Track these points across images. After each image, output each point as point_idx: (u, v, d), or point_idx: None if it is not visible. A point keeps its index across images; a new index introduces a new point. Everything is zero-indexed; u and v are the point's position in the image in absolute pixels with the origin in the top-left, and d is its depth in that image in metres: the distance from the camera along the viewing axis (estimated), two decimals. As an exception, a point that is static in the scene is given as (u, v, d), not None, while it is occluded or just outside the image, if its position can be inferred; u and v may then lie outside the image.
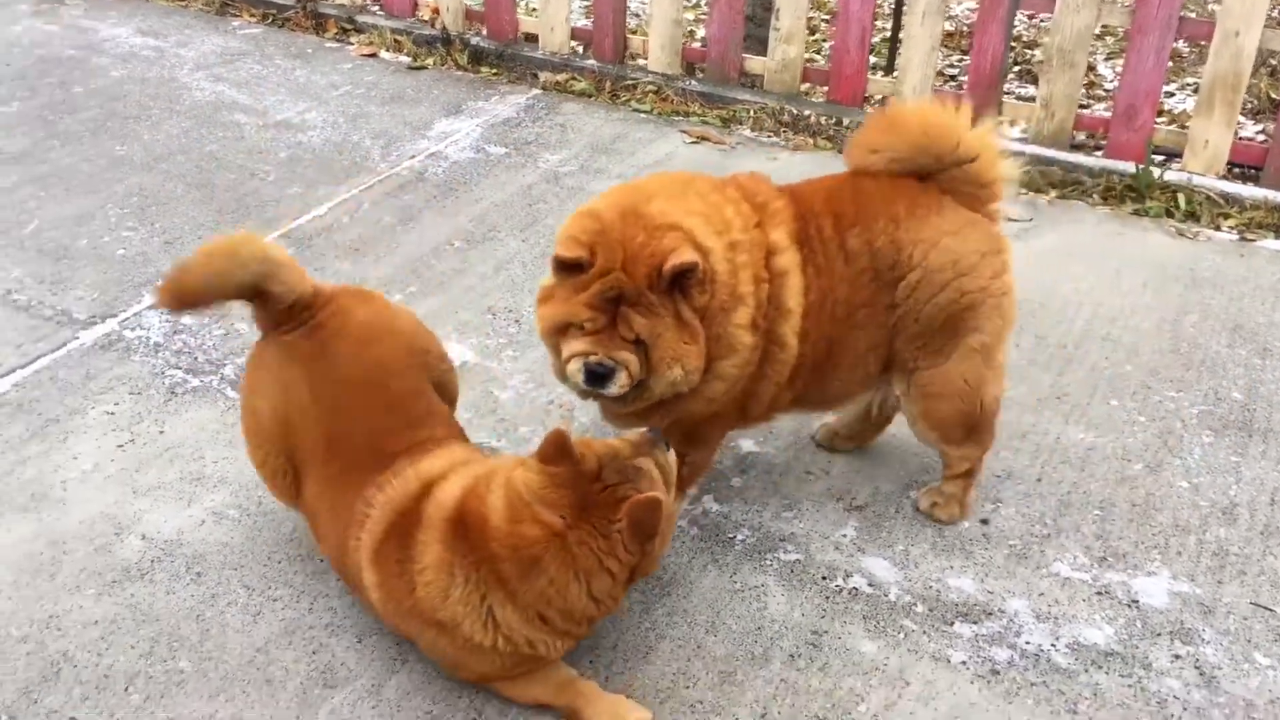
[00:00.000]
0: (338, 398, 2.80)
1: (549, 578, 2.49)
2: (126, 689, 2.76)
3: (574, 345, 2.83)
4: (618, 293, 2.76)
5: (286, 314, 2.86)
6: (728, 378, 2.96)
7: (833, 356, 3.11)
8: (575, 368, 2.83)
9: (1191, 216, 5.22)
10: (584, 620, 2.61)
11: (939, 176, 3.09)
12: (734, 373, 2.95)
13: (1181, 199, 5.28)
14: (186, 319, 4.17)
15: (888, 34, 6.74)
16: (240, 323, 4.15)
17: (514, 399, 3.83)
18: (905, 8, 5.83)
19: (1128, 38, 5.47)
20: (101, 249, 4.65)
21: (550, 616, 2.54)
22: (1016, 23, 6.44)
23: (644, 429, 2.75)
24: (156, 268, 4.50)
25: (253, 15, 7.43)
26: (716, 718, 2.74)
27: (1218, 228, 5.15)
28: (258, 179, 5.29)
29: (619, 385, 2.80)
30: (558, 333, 2.87)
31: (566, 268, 2.81)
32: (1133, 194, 5.40)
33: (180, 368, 3.92)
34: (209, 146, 5.60)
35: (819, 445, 3.64)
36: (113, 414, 3.68)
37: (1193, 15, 6.09)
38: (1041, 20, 7.50)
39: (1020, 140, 5.73)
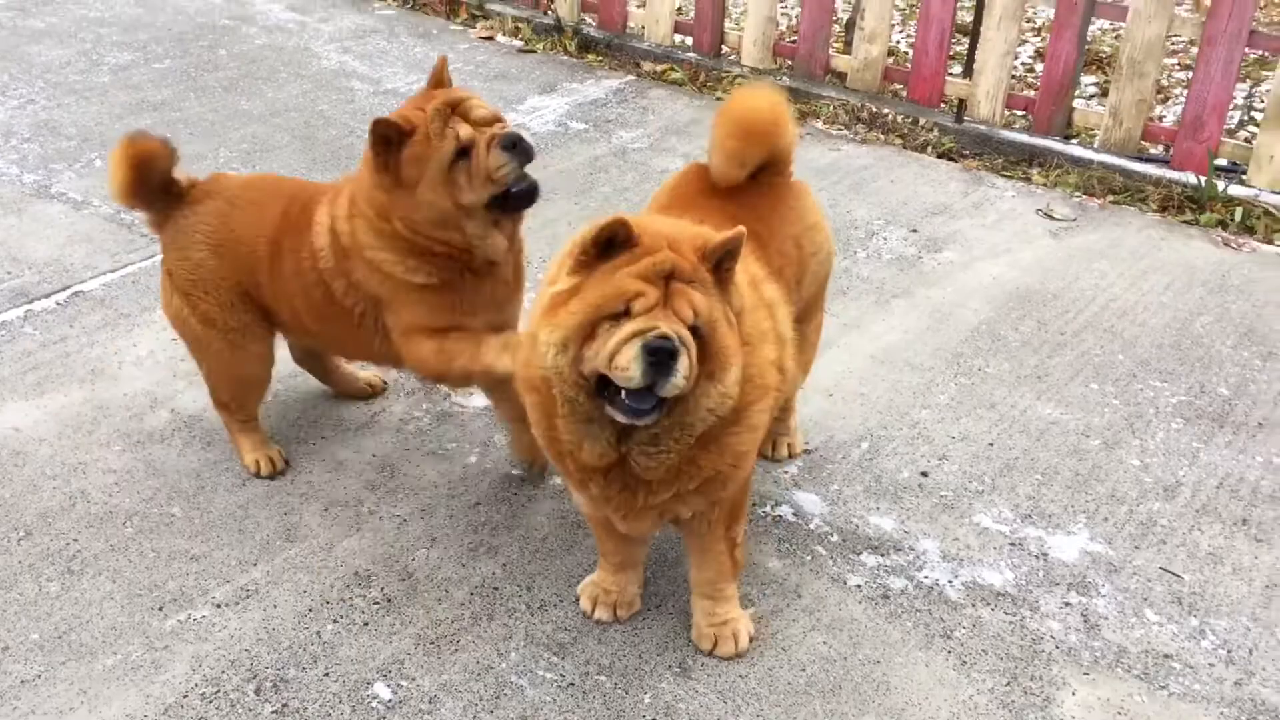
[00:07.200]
0: (237, 238, 3.27)
1: None
2: (125, 523, 3.24)
3: (624, 329, 2.26)
4: (670, 269, 2.32)
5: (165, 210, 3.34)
6: (760, 426, 2.57)
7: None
8: (631, 355, 2.22)
9: (1248, 230, 5.20)
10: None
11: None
12: (765, 420, 2.60)
13: (1239, 212, 5.27)
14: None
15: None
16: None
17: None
18: (985, 11, 5.95)
19: (1198, 49, 5.47)
20: (205, 184, 5.24)
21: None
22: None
23: None
24: (246, 202, 5.07)
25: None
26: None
27: (1270, 241, 5.12)
28: (355, 136, 5.83)
29: (683, 374, 2.25)
30: (588, 330, 2.30)
31: (605, 245, 2.35)
32: (1193, 205, 5.41)
33: (242, 283, 4.45)
34: (321, 106, 6.18)
35: None
36: (175, 314, 4.21)
37: (1264, 29, 6.03)
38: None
39: (1088, 147, 5.79)
